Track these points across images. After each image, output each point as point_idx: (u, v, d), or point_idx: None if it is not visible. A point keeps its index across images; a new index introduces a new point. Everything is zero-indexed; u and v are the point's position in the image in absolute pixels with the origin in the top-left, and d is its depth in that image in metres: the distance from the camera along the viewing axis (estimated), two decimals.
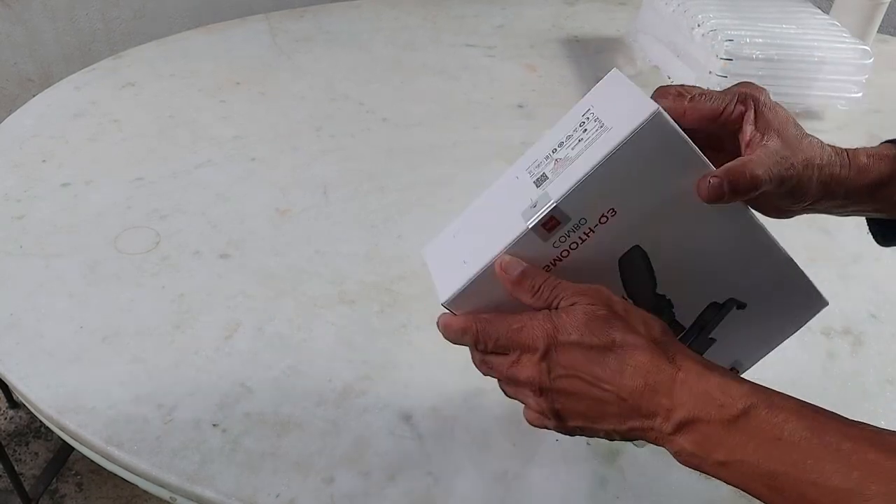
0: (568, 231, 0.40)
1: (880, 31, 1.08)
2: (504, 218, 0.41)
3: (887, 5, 1.03)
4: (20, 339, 0.59)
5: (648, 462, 0.52)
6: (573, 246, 0.40)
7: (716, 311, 0.45)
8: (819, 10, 1.05)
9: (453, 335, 0.42)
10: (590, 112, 0.41)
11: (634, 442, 0.43)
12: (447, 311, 0.43)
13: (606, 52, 1.14)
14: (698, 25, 0.96)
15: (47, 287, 0.65)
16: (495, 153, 0.86)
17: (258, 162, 0.83)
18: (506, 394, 0.43)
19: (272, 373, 0.57)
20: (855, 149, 0.45)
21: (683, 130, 0.39)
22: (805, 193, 0.43)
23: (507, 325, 0.39)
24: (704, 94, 0.42)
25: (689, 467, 0.36)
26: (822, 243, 0.75)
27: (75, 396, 0.55)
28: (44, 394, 0.55)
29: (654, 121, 0.37)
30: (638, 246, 0.42)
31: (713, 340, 0.46)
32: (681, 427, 0.35)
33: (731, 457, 0.34)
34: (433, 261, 0.46)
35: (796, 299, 0.46)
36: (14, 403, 1.38)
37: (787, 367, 0.59)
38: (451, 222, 0.46)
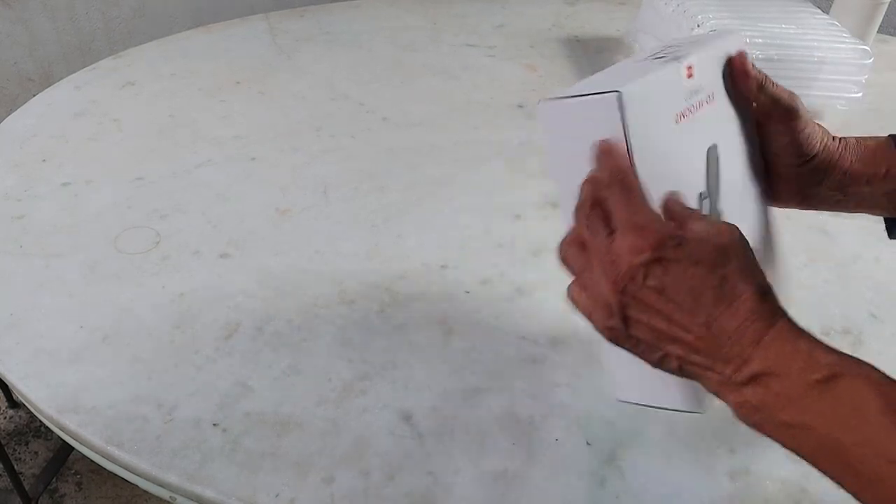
0: (694, 89, 0.43)
1: (880, 31, 1.08)
2: (641, 70, 0.42)
3: (887, 5, 1.03)
4: (20, 339, 0.59)
5: (648, 462, 0.52)
6: (694, 108, 0.43)
7: None
8: (819, 10, 1.05)
9: (605, 160, 0.39)
10: (673, 44, 0.47)
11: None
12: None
13: (606, 52, 1.14)
14: (698, 26, 0.96)
15: (47, 287, 0.65)
16: (495, 153, 0.86)
17: (258, 162, 0.83)
18: (568, 267, 0.41)
19: (272, 373, 0.57)
20: (850, 139, 0.48)
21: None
22: (804, 142, 0.47)
23: (635, 208, 0.37)
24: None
25: (747, 424, 0.35)
26: (822, 243, 0.75)
27: (75, 396, 0.55)
28: (44, 393, 0.55)
29: (738, 39, 0.47)
30: (715, 145, 0.45)
31: None
32: (753, 379, 0.34)
33: (798, 420, 0.33)
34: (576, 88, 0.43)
35: (779, 285, 0.50)
36: (14, 403, 1.38)
37: None
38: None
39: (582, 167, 0.41)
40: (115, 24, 1.46)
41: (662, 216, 0.39)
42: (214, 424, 0.53)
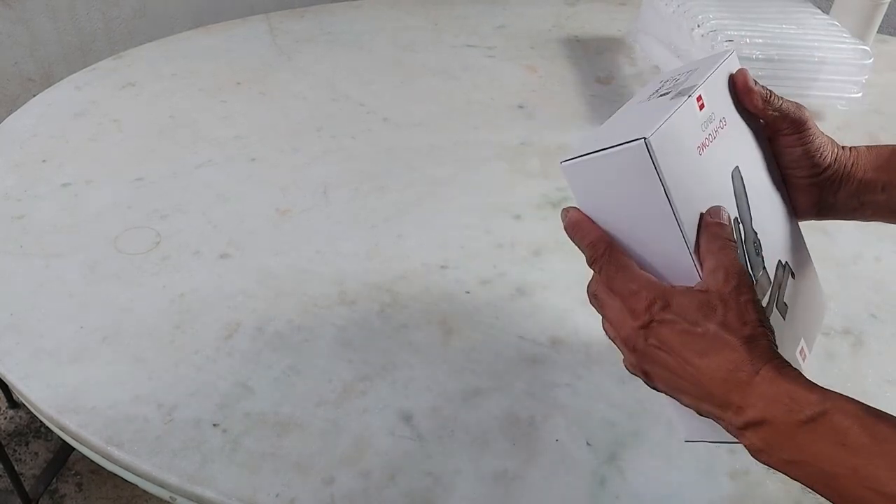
0: (708, 117, 0.44)
1: (880, 31, 1.08)
2: (652, 111, 0.43)
3: (887, 5, 1.03)
4: (20, 339, 0.59)
5: (648, 462, 0.52)
6: (711, 136, 0.44)
7: (783, 270, 0.49)
8: (819, 10, 1.05)
9: (582, 236, 0.43)
10: (671, 76, 0.47)
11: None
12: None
13: (607, 52, 1.14)
14: (698, 26, 0.96)
15: (47, 287, 0.65)
16: (495, 153, 0.86)
17: (258, 162, 0.83)
18: (606, 332, 0.44)
19: (272, 373, 0.57)
20: (861, 149, 0.49)
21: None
22: (816, 155, 0.48)
23: (627, 278, 0.41)
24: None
25: (758, 461, 0.38)
26: (822, 244, 0.75)
27: (75, 396, 0.55)
28: (44, 394, 0.55)
29: (732, 58, 0.47)
30: (738, 167, 0.46)
31: (787, 305, 0.49)
32: (750, 425, 0.37)
33: (796, 457, 0.36)
34: (588, 143, 0.44)
35: (814, 292, 0.51)
36: (14, 403, 1.38)
37: None
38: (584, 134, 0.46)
39: (619, 215, 0.43)
40: (116, 24, 1.46)
41: (704, 242, 0.41)
42: (214, 425, 0.53)
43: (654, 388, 0.42)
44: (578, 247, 0.43)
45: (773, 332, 0.40)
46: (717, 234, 0.41)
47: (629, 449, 0.53)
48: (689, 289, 0.40)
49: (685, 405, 0.41)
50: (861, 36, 1.01)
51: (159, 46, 1.09)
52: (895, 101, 1.04)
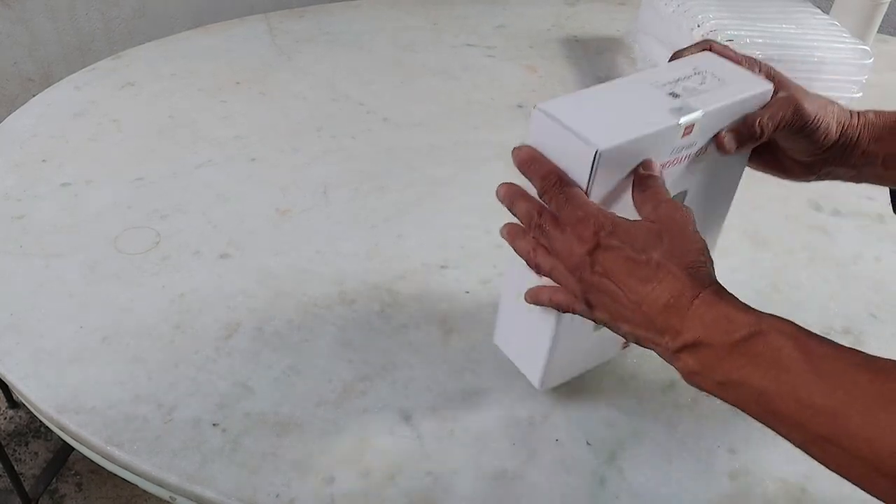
0: (686, 145, 0.45)
1: (880, 31, 1.08)
2: (645, 108, 0.44)
3: (887, 5, 1.03)
4: (20, 339, 0.59)
5: (648, 462, 0.52)
6: (678, 160, 0.45)
7: None
8: (819, 10, 1.05)
9: (536, 169, 0.43)
10: (702, 70, 0.47)
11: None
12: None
13: (607, 52, 1.14)
14: (698, 25, 0.96)
15: (47, 287, 0.65)
16: (495, 153, 0.86)
17: (258, 162, 0.83)
18: (537, 267, 0.44)
19: (272, 373, 0.57)
20: (869, 115, 0.50)
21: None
22: (820, 140, 0.47)
23: (576, 206, 0.41)
24: (729, 53, 0.49)
25: (692, 385, 0.39)
26: (822, 243, 0.75)
27: (75, 396, 0.55)
28: (44, 394, 0.55)
29: (765, 93, 0.47)
30: (686, 191, 0.48)
31: None
32: (686, 348, 0.38)
33: (729, 377, 0.37)
34: (562, 113, 0.45)
35: None
36: (14, 403, 1.38)
37: None
38: (568, 94, 0.46)
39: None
40: (115, 24, 1.46)
41: (638, 193, 0.43)
42: (214, 424, 0.53)
43: (593, 320, 0.43)
44: (530, 180, 0.44)
45: (712, 262, 0.41)
46: (651, 182, 0.42)
47: (629, 449, 0.53)
48: (635, 220, 0.41)
49: (623, 333, 0.42)
50: (861, 36, 1.01)
51: (159, 46, 1.09)
52: (895, 101, 1.04)
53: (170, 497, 0.51)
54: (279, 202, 0.77)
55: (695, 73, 0.47)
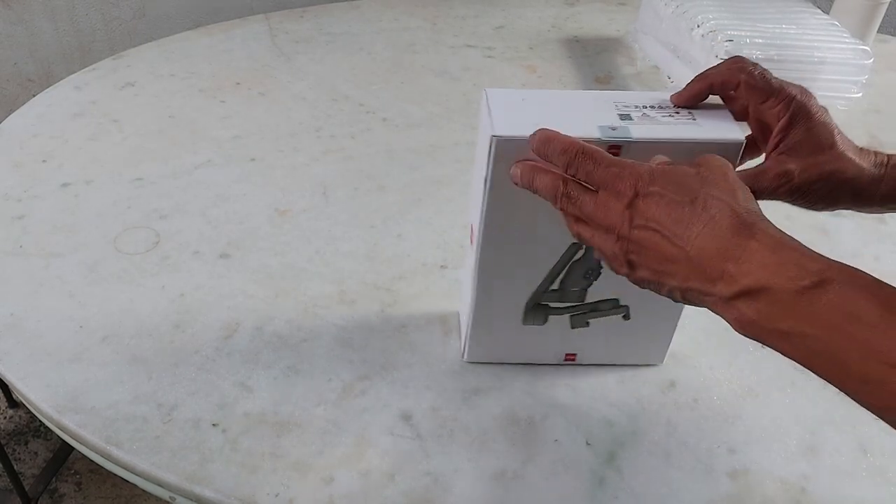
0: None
1: (880, 31, 1.08)
2: (580, 118, 0.44)
3: (887, 5, 1.03)
4: (20, 339, 0.59)
5: (647, 462, 0.52)
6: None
7: (614, 305, 0.53)
8: (819, 10, 1.05)
9: (553, 147, 0.41)
10: (689, 108, 0.47)
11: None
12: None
13: (606, 52, 1.14)
14: (698, 26, 0.96)
15: (47, 287, 0.65)
16: None
17: (258, 162, 0.83)
18: (577, 235, 0.42)
19: (272, 373, 0.57)
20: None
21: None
22: (823, 200, 0.47)
23: (607, 164, 0.39)
24: (760, 82, 0.46)
25: (746, 335, 0.36)
26: (822, 243, 0.74)
27: (75, 396, 0.55)
28: (44, 393, 0.55)
29: (734, 147, 0.44)
30: None
31: (588, 325, 0.55)
32: (744, 294, 0.34)
33: (795, 328, 0.33)
34: (495, 102, 0.46)
35: (642, 346, 0.58)
36: (14, 403, 1.38)
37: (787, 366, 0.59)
38: (517, 91, 0.47)
39: (482, 156, 0.46)
40: (115, 25, 1.46)
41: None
42: (214, 424, 0.53)
43: (637, 283, 0.40)
44: (550, 160, 0.41)
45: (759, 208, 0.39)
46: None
47: (628, 449, 0.53)
48: (674, 165, 0.39)
49: (667, 292, 0.39)
50: (861, 36, 1.01)
51: (158, 47, 1.09)
52: (895, 100, 1.04)
53: (169, 497, 0.51)
54: (279, 202, 0.77)
55: (672, 106, 0.46)
